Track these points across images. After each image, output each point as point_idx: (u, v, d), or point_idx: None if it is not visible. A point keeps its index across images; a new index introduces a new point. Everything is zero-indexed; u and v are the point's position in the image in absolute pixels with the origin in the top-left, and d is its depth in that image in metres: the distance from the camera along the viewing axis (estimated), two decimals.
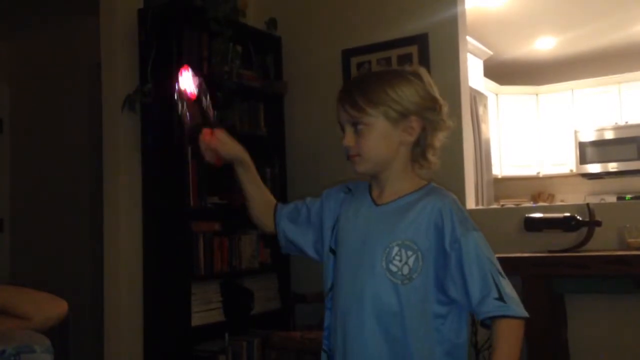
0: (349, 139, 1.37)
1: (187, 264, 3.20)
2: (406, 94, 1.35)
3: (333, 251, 1.45)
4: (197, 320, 3.18)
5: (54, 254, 4.47)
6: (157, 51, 3.23)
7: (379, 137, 1.36)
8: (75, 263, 4.38)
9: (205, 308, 3.25)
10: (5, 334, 1.80)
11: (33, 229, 4.67)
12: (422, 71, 1.41)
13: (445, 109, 1.39)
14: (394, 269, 1.32)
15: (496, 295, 1.27)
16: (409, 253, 1.32)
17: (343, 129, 1.40)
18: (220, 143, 1.46)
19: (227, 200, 3.40)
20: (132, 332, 3.27)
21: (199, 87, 1.47)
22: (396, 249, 1.32)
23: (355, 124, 1.36)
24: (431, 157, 1.40)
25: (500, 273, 1.30)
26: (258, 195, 1.55)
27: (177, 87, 1.47)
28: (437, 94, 1.39)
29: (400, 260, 1.32)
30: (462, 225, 1.31)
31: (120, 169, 3.31)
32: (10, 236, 4.86)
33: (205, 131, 1.46)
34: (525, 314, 1.28)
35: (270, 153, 3.76)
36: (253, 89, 3.70)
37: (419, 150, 1.40)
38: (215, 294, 3.33)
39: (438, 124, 1.38)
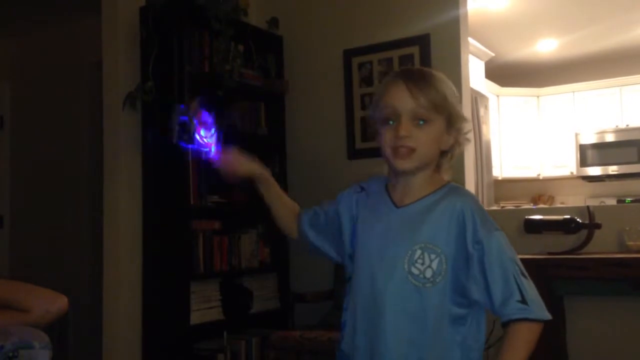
0: (408, 128, 1.34)
1: (187, 262, 3.20)
2: (460, 106, 1.42)
3: (351, 258, 1.45)
4: (196, 318, 3.18)
5: (53, 251, 4.48)
6: (159, 49, 3.23)
7: (435, 137, 1.37)
8: (74, 260, 4.38)
9: (205, 306, 3.25)
10: (4, 329, 1.80)
11: (33, 226, 4.68)
12: None
13: (469, 127, 1.45)
14: (416, 272, 1.31)
15: (519, 298, 1.26)
16: (432, 256, 1.31)
17: (387, 118, 1.36)
18: (235, 163, 1.54)
19: (227, 199, 3.40)
20: (131, 330, 3.27)
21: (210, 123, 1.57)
22: (419, 252, 1.32)
23: (418, 117, 1.35)
24: (449, 167, 1.45)
25: (523, 274, 1.30)
26: (282, 209, 1.60)
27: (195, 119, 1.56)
28: None
29: (423, 264, 1.31)
30: (484, 226, 1.31)
31: (121, 167, 3.31)
32: (10, 233, 4.87)
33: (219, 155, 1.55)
34: (548, 316, 1.28)
35: (270, 152, 3.76)
36: (254, 87, 3.70)
37: (442, 160, 1.43)
38: (214, 293, 3.33)
39: (463, 139, 1.44)
